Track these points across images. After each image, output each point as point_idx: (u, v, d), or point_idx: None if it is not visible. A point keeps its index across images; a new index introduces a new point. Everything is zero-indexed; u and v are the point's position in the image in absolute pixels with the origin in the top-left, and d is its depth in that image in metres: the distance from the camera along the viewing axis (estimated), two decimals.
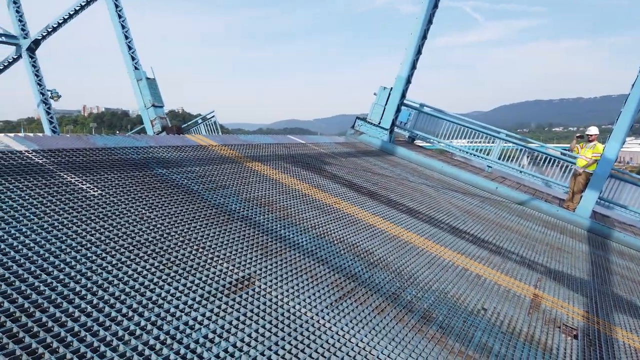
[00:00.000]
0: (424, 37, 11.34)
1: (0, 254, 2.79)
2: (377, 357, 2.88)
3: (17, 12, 15.38)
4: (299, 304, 3.24)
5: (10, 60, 15.80)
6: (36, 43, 15.41)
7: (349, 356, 2.81)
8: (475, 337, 3.52)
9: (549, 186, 11.72)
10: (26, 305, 2.44)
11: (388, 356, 2.93)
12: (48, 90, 15.01)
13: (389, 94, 11.54)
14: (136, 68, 12.42)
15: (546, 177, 11.72)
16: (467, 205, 8.02)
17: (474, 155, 12.31)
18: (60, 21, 15.02)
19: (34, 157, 4.33)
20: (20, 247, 2.93)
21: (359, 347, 2.93)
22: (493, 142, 12.23)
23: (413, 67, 11.51)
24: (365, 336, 3.07)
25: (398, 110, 11.72)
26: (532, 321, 4.13)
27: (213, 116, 15.99)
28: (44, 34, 15.26)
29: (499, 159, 12.04)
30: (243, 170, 6.03)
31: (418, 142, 13.53)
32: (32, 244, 2.99)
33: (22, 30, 15.39)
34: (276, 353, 2.64)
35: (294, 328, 2.94)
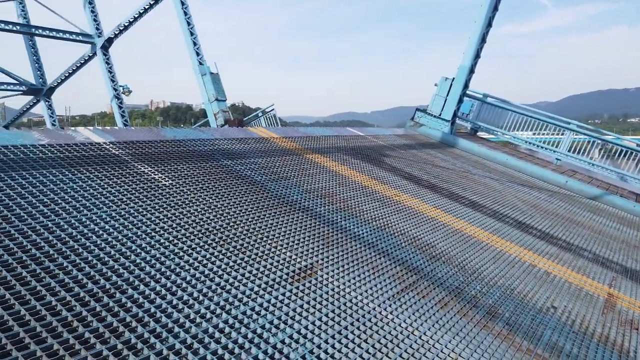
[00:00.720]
0: (488, 24, 10.91)
1: (84, 238, 3.01)
2: (441, 351, 2.84)
3: (92, 12, 16.36)
4: (361, 294, 3.26)
5: (86, 58, 16.86)
6: (109, 41, 16.33)
7: (412, 348, 2.79)
8: (544, 336, 3.38)
9: (625, 180, 10.96)
10: (107, 286, 2.62)
11: (452, 350, 2.88)
12: (120, 86, 15.89)
13: (451, 84, 11.23)
14: (200, 63, 12.86)
15: (622, 171, 10.97)
16: (534, 200, 7.68)
17: (541, 147, 11.74)
18: (131, 20, 15.82)
19: (111, 149, 4.61)
20: (101, 232, 3.14)
21: (422, 340, 2.91)
22: (562, 134, 11.60)
23: (476, 56, 11.12)
24: (429, 329, 3.03)
25: (460, 101, 11.38)
26: (606, 321, 3.91)
27: (273, 109, 16.28)
28: (116, 32, 16.14)
29: (569, 151, 11.40)
30: (303, 162, 6.11)
31: (481, 134, 13.08)
32: (111, 230, 3.20)
33: (97, 29, 16.36)
34: (339, 342, 2.68)
35: (357, 318, 2.96)
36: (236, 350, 2.38)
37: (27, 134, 4.38)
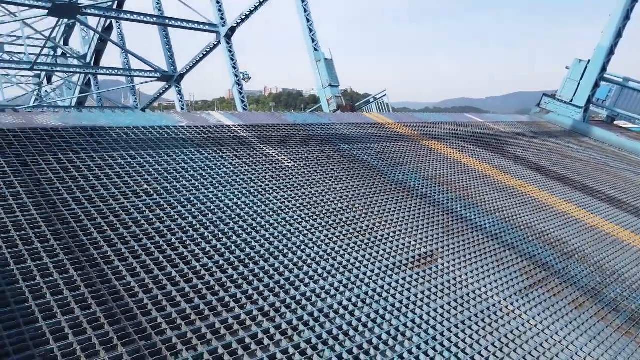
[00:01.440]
0: None
1: (220, 212, 3.27)
2: (576, 354, 2.64)
3: (217, 2, 17.49)
4: (485, 286, 3.13)
5: (211, 47, 18.10)
6: (232, 30, 17.36)
7: (543, 347, 2.62)
8: None
9: None
10: (242, 257, 2.82)
11: (589, 354, 2.65)
12: (240, 73, 16.87)
13: (585, 67, 10.18)
14: (316, 50, 13.15)
15: None
16: None
17: None
18: (252, 9, 16.64)
19: (239, 131, 4.93)
20: (234, 207, 3.39)
21: (554, 339, 2.72)
22: None
23: (618, 35, 9.93)
24: (562, 329, 2.83)
25: (596, 86, 10.28)
26: None
27: (384, 95, 16.15)
28: (238, 21, 17.10)
29: None
30: (420, 148, 5.98)
31: (619, 123, 11.71)
32: (243, 205, 3.44)
33: (221, 19, 17.47)
34: (463, 332, 2.61)
35: (481, 310, 2.85)
36: (360, 328, 2.43)
37: (169, 116, 4.85)
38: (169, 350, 2.01)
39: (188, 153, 4.07)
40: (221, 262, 2.70)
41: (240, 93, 16.54)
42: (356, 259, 3.10)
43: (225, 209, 3.33)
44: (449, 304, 2.84)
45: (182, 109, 20.52)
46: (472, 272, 3.27)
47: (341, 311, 2.54)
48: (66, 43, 25.01)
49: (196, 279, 2.50)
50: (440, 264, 3.29)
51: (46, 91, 27.19)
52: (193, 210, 3.22)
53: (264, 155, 4.47)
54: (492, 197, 4.80)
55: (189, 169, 3.79)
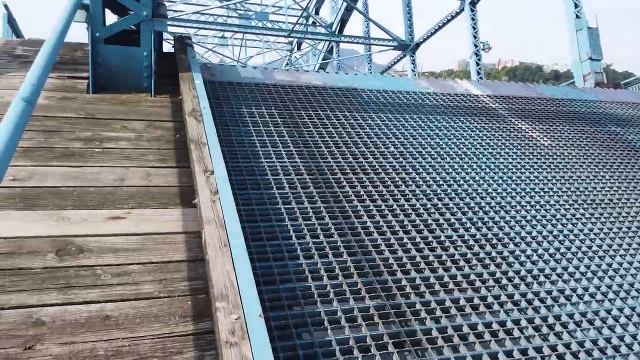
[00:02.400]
0: None
1: (466, 184, 3.08)
2: None
3: None
4: None
5: (453, 15, 17.46)
6: None
7: None
8: None
9: None
10: (489, 236, 2.59)
11: None
12: (481, 42, 15.91)
13: None
14: (577, 16, 11.38)
15: None
16: None
17: None
18: None
19: (488, 102, 4.57)
20: (481, 181, 3.15)
21: None
22: None
23: None
24: None
25: None
26: None
27: None
28: None
29: None
30: None
31: None
32: (490, 181, 3.17)
33: None
34: None
35: None
36: None
37: (417, 82, 4.79)
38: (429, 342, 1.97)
39: (434, 120, 3.95)
40: (467, 237, 2.53)
41: (478, 64, 15.65)
42: (631, 263, 2.55)
43: (471, 182, 3.12)
44: None
45: (414, 74, 20.57)
46: None
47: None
48: (317, 13, 27.49)
49: (441, 249, 2.39)
50: None
51: (295, 57, 30.61)
52: (438, 178, 3.10)
53: (515, 129, 4.04)
54: None
55: (435, 137, 3.67)
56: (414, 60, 20.31)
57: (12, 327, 1.56)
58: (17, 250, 1.86)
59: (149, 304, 1.74)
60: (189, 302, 1.78)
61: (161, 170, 2.54)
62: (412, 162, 3.24)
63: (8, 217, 2.01)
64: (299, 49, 29.74)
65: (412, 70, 20.25)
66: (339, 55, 24.47)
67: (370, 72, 23.15)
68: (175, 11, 18.43)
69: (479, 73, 15.61)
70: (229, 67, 4.41)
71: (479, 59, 15.86)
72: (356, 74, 4.67)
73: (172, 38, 4.32)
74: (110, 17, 3.55)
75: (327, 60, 23.77)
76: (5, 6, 8.26)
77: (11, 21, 8.38)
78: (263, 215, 2.45)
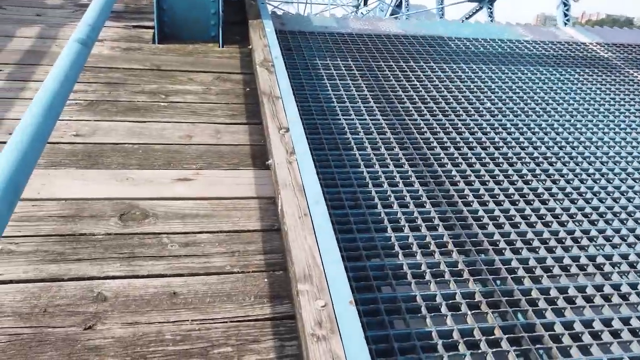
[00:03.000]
0: None
1: (581, 146, 2.59)
2: None
3: None
4: None
5: None
6: None
7: None
8: None
9: None
10: (602, 209, 2.14)
11: None
12: None
13: None
14: None
15: None
16: None
17: None
18: None
19: (599, 51, 3.91)
20: (599, 143, 2.64)
21: None
22: None
23: None
24: None
25: None
26: None
27: None
28: None
29: None
30: None
31: None
32: (611, 143, 2.65)
33: None
34: None
35: None
36: None
37: (512, 28, 4.18)
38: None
39: (535, 72, 3.40)
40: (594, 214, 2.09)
41: (566, 15, 14.13)
42: None
43: (587, 143, 2.62)
44: None
45: None
46: None
47: None
48: None
49: (543, 209, 1.98)
50: None
51: (362, 13, 29.44)
52: (546, 139, 2.63)
53: (634, 82, 3.41)
54: None
55: (538, 90, 3.15)
56: (491, 12, 18.81)
57: (72, 301, 1.38)
58: (79, 213, 1.68)
59: (220, 279, 1.51)
60: (265, 280, 1.53)
61: (231, 127, 2.28)
62: (513, 120, 2.77)
63: (69, 176, 1.83)
64: (365, 4, 28.56)
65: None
66: (408, 10, 23.22)
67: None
68: None
69: (565, 24, 14.11)
70: (300, 16, 4.05)
71: (567, 9, 14.31)
72: (441, 21, 4.15)
73: None
74: None
75: (396, 15, 22.62)
76: None
77: None
78: (344, 179, 2.14)
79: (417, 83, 3.09)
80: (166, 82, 2.57)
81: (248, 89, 2.61)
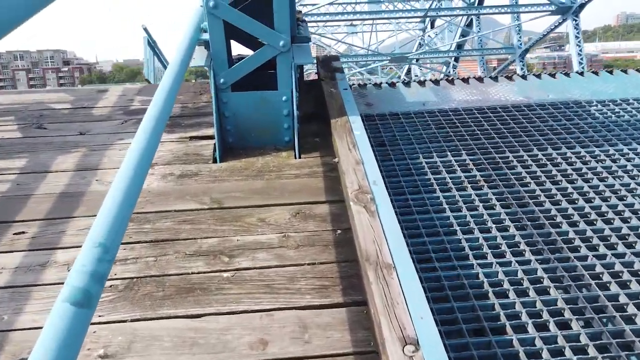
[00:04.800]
0: None
1: None
2: None
3: None
4: None
5: None
6: None
7: None
8: None
9: None
10: None
11: None
12: None
13: None
14: None
15: None
16: None
17: None
18: None
19: None
20: None
21: None
22: None
23: None
24: None
25: None
26: None
27: None
28: None
29: None
30: None
31: None
32: None
33: None
34: None
35: None
36: None
37: None
38: None
39: None
40: None
41: None
42: None
43: None
44: None
45: (578, 46, 17.45)
46: None
47: None
48: None
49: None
50: None
51: (429, 36, 28.38)
52: None
53: None
54: None
55: None
56: (577, 24, 17.19)
57: None
58: None
59: None
60: None
61: (321, 315, 1.53)
62: None
63: None
64: (432, 27, 27.48)
65: (576, 37, 17.13)
66: (480, 29, 21.93)
67: (520, 44, 20.12)
68: (304, 5, 17.86)
69: None
70: (388, 89, 3.29)
71: None
72: (570, 75, 3.22)
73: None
74: (237, 49, 2.67)
75: (466, 38, 21.38)
76: (145, 29, 8.19)
77: (151, 43, 8.31)
78: None
79: (578, 196, 2.20)
80: (229, 229, 1.89)
81: (339, 232, 1.87)
